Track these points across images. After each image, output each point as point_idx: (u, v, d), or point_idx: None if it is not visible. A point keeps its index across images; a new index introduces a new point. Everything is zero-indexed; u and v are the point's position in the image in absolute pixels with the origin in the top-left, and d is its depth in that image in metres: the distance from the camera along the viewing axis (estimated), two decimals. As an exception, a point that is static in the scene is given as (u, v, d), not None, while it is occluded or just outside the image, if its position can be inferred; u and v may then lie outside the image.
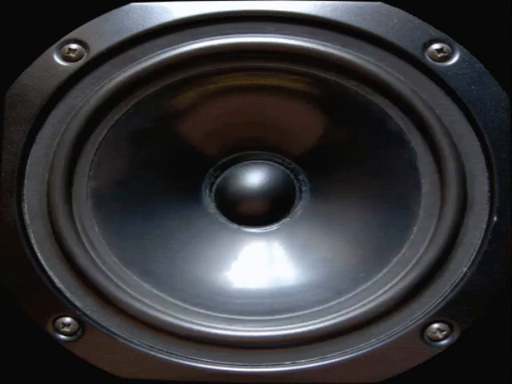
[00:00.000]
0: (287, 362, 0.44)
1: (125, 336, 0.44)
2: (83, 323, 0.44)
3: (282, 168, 0.49)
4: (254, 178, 0.49)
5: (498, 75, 0.43)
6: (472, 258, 0.43)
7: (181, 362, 0.44)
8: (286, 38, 0.44)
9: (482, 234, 0.43)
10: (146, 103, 0.45)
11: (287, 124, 0.47)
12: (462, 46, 0.44)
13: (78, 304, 0.44)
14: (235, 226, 0.49)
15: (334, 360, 0.44)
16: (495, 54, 0.46)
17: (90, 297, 0.44)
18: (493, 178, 0.43)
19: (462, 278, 0.43)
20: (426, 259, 0.43)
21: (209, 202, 0.49)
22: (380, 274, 0.45)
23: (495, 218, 0.43)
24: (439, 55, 0.43)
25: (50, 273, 0.44)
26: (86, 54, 0.44)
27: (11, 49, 0.48)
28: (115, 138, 0.45)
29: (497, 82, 0.43)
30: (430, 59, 0.43)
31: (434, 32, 0.44)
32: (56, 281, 0.44)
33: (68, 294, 0.44)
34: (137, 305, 0.44)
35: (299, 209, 0.49)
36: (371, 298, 0.44)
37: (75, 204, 0.45)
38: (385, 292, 0.44)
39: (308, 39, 0.44)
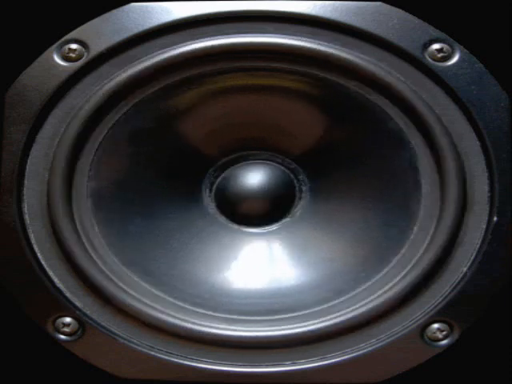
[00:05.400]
0: (287, 362, 0.44)
1: (125, 336, 0.44)
2: (83, 323, 0.44)
3: (282, 168, 0.49)
4: (254, 178, 0.49)
5: (498, 75, 0.43)
6: (472, 258, 0.43)
7: (181, 361, 0.44)
8: (286, 37, 0.44)
9: (482, 234, 0.43)
10: (146, 103, 0.45)
11: (287, 124, 0.47)
12: (461, 46, 0.44)
13: (77, 304, 0.44)
14: (235, 226, 0.49)
15: (333, 360, 0.44)
16: (495, 54, 0.46)
17: (89, 297, 0.44)
18: (493, 177, 0.43)
19: (462, 278, 0.43)
20: (426, 259, 0.43)
21: (209, 202, 0.49)
22: (380, 274, 0.45)
23: (495, 218, 0.43)
24: (439, 55, 0.43)
25: (50, 273, 0.44)
26: (86, 54, 0.44)
27: (11, 49, 0.48)
28: (115, 138, 0.45)
29: (497, 81, 0.43)
30: (430, 59, 0.43)
31: (433, 32, 0.44)
32: (56, 281, 0.44)
33: (68, 294, 0.44)
34: (137, 305, 0.44)
35: (299, 209, 0.49)
36: (371, 297, 0.44)
37: (75, 204, 0.45)
38: (385, 292, 0.44)
39: (308, 39, 0.44)
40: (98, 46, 0.44)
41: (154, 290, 0.45)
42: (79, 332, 0.44)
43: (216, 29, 0.44)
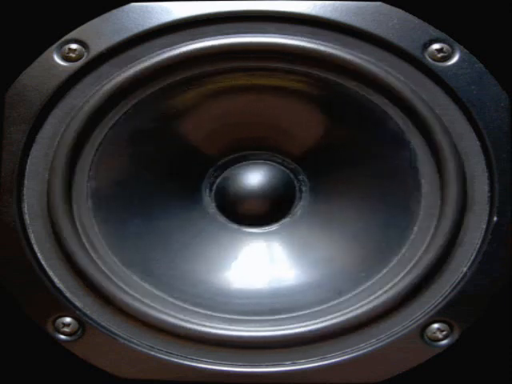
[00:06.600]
0: (287, 362, 0.44)
1: (125, 336, 0.44)
2: (83, 323, 0.44)
3: (282, 168, 0.49)
4: (254, 178, 0.49)
5: (498, 75, 0.43)
6: (472, 258, 0.43)
7: (181, 361, 0.44)
8: (286, 38, 0.44)
9: (482, 234, 0.43)
10: (146, 103, 0.45)
11: (287, 124, 0.47)
12: (461, 46, 0.44)
13: (77, 304, 0.44)
14: (235, 226, 0.49)
15: (333, 360, 0.44)
16: (495, 53, 0.46)
17: (89, 297, 0.44)
18: (493, 177, 0.43)
19: (462, 278, 0.43)
20: (426, 259, 0.43)
21: (209, 202, 0.49)
22: (380, 274, 0.45)
23: (495, 218, 0.43)
24: (439, 55, 0.43)
25: (50, 273, 0.44)
26: (86, 54, 0.44)
27: (11, 49, 0.48)
28: (115, 138, 0.45)
29: (497, 81, 0.43)
30: (430, 59, 0.43)
31: (433, 32, 0.44)
32: (56, 281, 0.44)
33: (68, 294, 0.44)
34: (137, 305, 0.44)
35: (299, 209, 0.49)
36: (371, 297, 0.44)
37: (75, 204, 0.45)
38: (385, 292, 0.44)
39: (308, 39, 0.44)
40: (98, 46, 0.44)
41: (154, 290, 0.45)
42: (79, 332, 0.44)
43: (216, 29, 0.44)
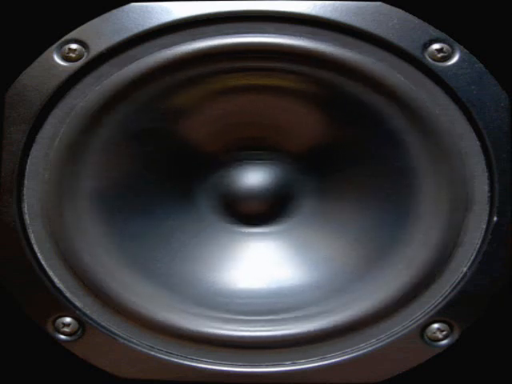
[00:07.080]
0: (287, 362, 0.44)
1: (125, 336, 0.44)
2: (83, 323, 0.44)
3: (282, 168, 0.49)
4: (254, 178, 0.49)
5: (498, 75, 0.43)
6: (472, 257, 0.43)
7: (181, 361, 0.44)
8: (285, 38, 0.44)
9: (482, 234, 0.43)
10: (146, 103, 0.45)
11: (287, 124, 0.47)
12: (462, 46, 0.44)
13: (77, 304, 0.44)
14: (235, 226, 0.49)
15: (333, 360, 0.44)
16: (495, 54, 0.46)
17: (89, 297, 0.44)
18: (493, 177, 0.43)
19: (462, 278, 0.43)
20: (426, 259, 0.43)
21: (208, 202, 0.49)
22: (380, 274, 0.45)
23: (495, 218, 0.43)
24: (439, 55, 0.43)
25: (50, 273, 0.44)
26: (86, 54, 0.44)
27: (11, 49, 0.48)
28: (115, 138, 0.45)
29: (497, 81, 0.43)
30: (430, 59, 0.43)
31: (433, 32, 0.44)
32: (56, 281, 0.44)
33: (68, 294, 0.44)
34: (137, 305, 0.44)
35: (299, 209, 0.49)
36: (371, 297, 0.44)
37: (75, 204, 0.45)
38: (385, 292, 0.44)
39: (308, 39, 0.44)
40: (98, 46, 0.44)
41: (154, 290, 0.45)
42: (79, 332, 0.44)
43: (216, 29, 0.44)
